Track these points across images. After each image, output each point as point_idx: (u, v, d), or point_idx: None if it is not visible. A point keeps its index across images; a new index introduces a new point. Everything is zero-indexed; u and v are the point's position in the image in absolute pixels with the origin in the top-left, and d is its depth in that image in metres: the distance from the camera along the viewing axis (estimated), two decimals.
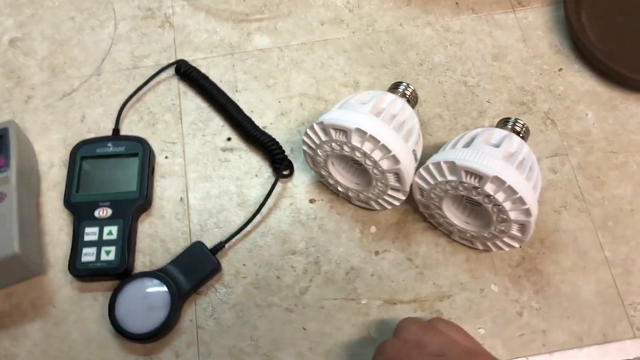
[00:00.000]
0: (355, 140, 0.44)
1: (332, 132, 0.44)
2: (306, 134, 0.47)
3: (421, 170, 0.45)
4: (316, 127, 0.45)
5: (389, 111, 0.46)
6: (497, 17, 0.59)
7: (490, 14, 0.59)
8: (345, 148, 0.45)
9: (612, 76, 0.55)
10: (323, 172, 0.49)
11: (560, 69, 0.56)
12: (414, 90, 0.50)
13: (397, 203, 0.48)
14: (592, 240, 0.49)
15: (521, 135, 0.48)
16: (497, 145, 0.44)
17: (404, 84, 0.50)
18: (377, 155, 0.44)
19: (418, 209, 0.49)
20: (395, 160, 0.43)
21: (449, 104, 0.55)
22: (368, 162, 0.45)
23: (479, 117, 0.54)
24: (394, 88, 0.50)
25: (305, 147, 0.48)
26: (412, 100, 0.50)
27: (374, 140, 0.43)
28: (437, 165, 0.44)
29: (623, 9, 0.58)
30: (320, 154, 0.47)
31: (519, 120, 0.48)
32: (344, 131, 0.44)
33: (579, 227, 0.49)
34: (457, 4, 0.60)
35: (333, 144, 0.45)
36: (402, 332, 0.39)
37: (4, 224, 0.45)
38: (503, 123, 0.49)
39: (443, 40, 0.58)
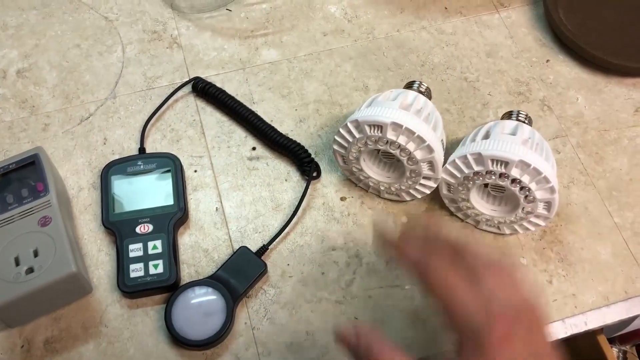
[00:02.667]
0: (391, 134, 0.47)
1: (367, 128, 0.47)
2: (339, 134, 0.49)
3: (447, 165, 0.49)
4: (350, 126, 0.48)
5: (414, 106, 0.49)
6: (484, 18, 0.64)
7: (477, 16, 0.64)
8: (380, 143, 0.48)
9: (593, 62, 0.61)
10: (354, 169, 0.52)
11: (547, 60, 0.62)
12: (427, 87, 0.54)
13: (428, 191, 0.51)
14: (601, 209, 0.54)
15: (526, 123, 0.52)
16: (513, 134, 0.48)
17: (417, 82, 0.54)
18: (412, 146, 0.47)
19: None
20: (430, 150, 0.47)
21: (454, 99, 0.59)
22: (402, 153, 0.48)
23: (483, 109, 0.58)
24: (409, 86, 0.54)
25: (336, 146, 0.51)
26: (427, 96, 0.54)
27: (409, 132, 0.46)
28: (464, 158, 0.47)
29: (594, 2, 0.64)
30: (353, 151, 0.50)
31: (521, 112, 0.53)
32: (380, 126, 0.47)
33: (587, 199, 0.54)
34: (446, 8, 0.65)
35: (367, 140, 0.48)
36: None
37: (55, 246, 0.45)
38: (507, 115, 0.53)
39: (439, 42, 0.63)
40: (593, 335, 0.61)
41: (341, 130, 0.49)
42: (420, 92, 0.53)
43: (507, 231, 0.52)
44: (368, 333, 0.36)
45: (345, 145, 0.50)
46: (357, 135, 0.48)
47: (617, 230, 0.53)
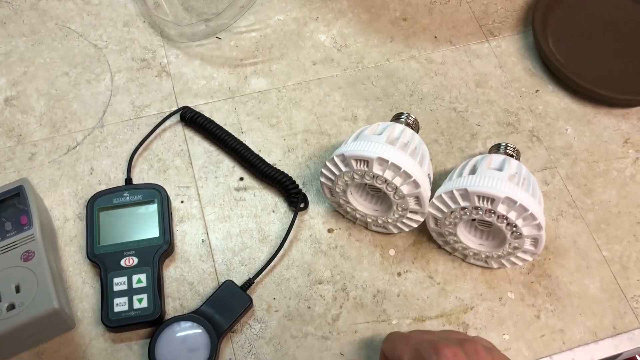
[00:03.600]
0: (377, 169, 0.46)
1: (353, 162, 0.47)
2: (325, 167, 0.49)
3: (434, 200, 0.48)
4: (336, 159, 0.48)
5: (401, 140, 0.49)
6: (474, 47, 0.64)
7: (467, 45, 0.64)
8: (366, 177, 0.48)
9: (583, 93, 0.61)
10: (341, 201, 0.52)
11: (536, 91, 0.62)
12: (415, 119, 0.54)
13: (415, 225, 0.51)
14: (589, 242, 0.53)
15: (514, 156, 0.52)
16: (500, 169, 0.48)
17: (405, 113, 0.54)
18: (398, 181, 0.47)
19: None
20: (416, 185, 0.47)
21: (442, 129, 0.59)
22: (389, 188, 0.47)
23: (471, 140, 0.58)
24: (397, 118, 0.54)
25: (323, 179, 0.51)
26: (415, 128, 0.54)
27: (395, 167, 0.46)
28: (450, 193, 0.47)
29: (584, 32, 0.64)
30: (339, 184, 0.50)
31: (509, 145, 0.52)
32: (365, 161, 0.47)
33: (576, 231, 0.54)
34: (435, 37, 0.65)
35: (354, 174, 0.48)
36: None
37: (38, 281, 0.44)
38: (496, 148, 0.53)
39: (428, 72, 0.63)
40: None
41: (328, 163, 0.49)
42: (408, 124, 0.53)
43: (495, 265, 0.51)
44: None
45: (332, 178, 0.50)
46: (343, 169, 0.48)
47: (606, 264, 0.52)
